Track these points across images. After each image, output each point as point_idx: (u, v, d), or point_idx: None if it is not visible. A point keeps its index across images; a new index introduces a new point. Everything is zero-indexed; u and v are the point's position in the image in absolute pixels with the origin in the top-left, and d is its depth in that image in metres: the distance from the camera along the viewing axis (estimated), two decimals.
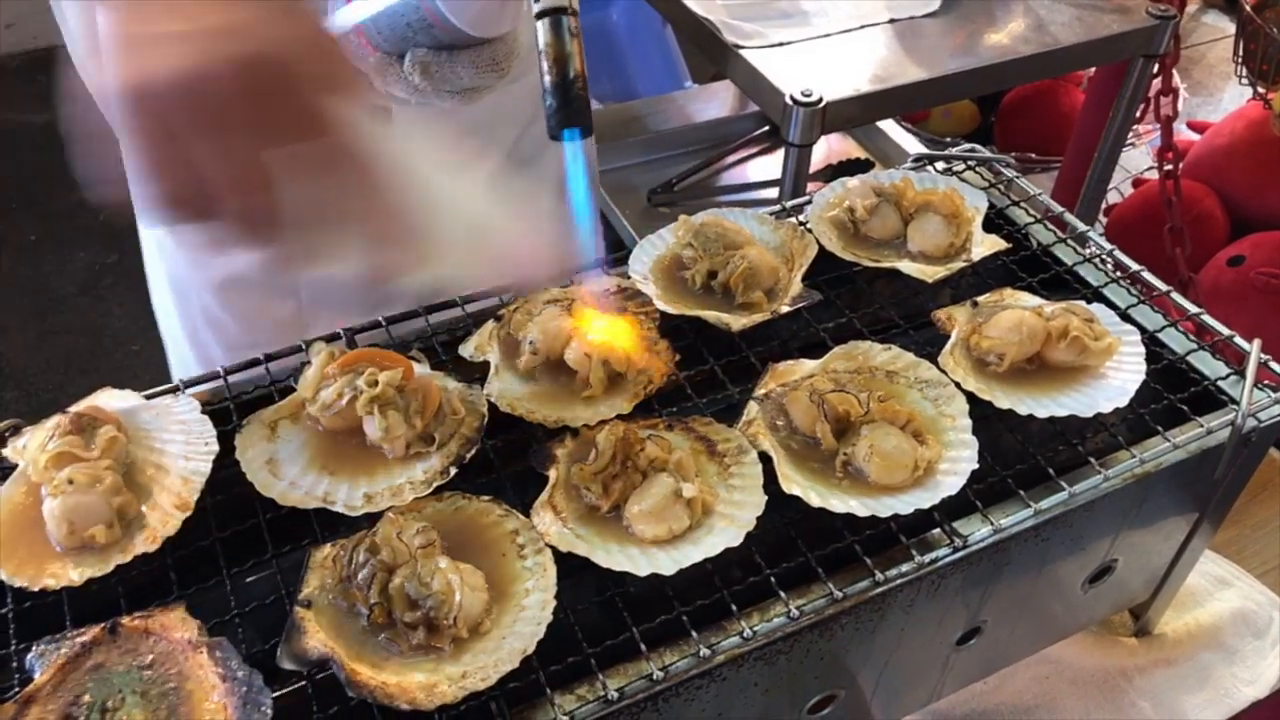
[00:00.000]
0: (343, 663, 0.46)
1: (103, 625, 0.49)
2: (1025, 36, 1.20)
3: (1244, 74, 1.60)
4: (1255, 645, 0.77)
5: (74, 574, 0.51)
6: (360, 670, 0.46)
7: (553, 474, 0.55)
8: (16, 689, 0.48)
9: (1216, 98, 2.53)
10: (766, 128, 1.66)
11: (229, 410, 0.60)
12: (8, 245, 2.55)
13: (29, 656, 0.48)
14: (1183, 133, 2.02)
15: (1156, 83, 1.51)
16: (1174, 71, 1.83)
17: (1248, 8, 1.54)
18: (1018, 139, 2.02)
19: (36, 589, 0.50)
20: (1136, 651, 0.76)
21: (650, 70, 2.20)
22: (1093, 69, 1.59)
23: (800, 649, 0.53)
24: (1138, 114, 1.52)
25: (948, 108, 2.10)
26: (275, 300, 0.81)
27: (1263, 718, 0.77)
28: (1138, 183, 1.90)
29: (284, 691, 0.48)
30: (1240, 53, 1.59)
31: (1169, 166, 1.49)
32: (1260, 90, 1.59)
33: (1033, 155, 1.94)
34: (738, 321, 0.62)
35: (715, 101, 1.80)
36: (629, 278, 0.66)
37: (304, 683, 0.48)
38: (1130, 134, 2.06)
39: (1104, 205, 1.86)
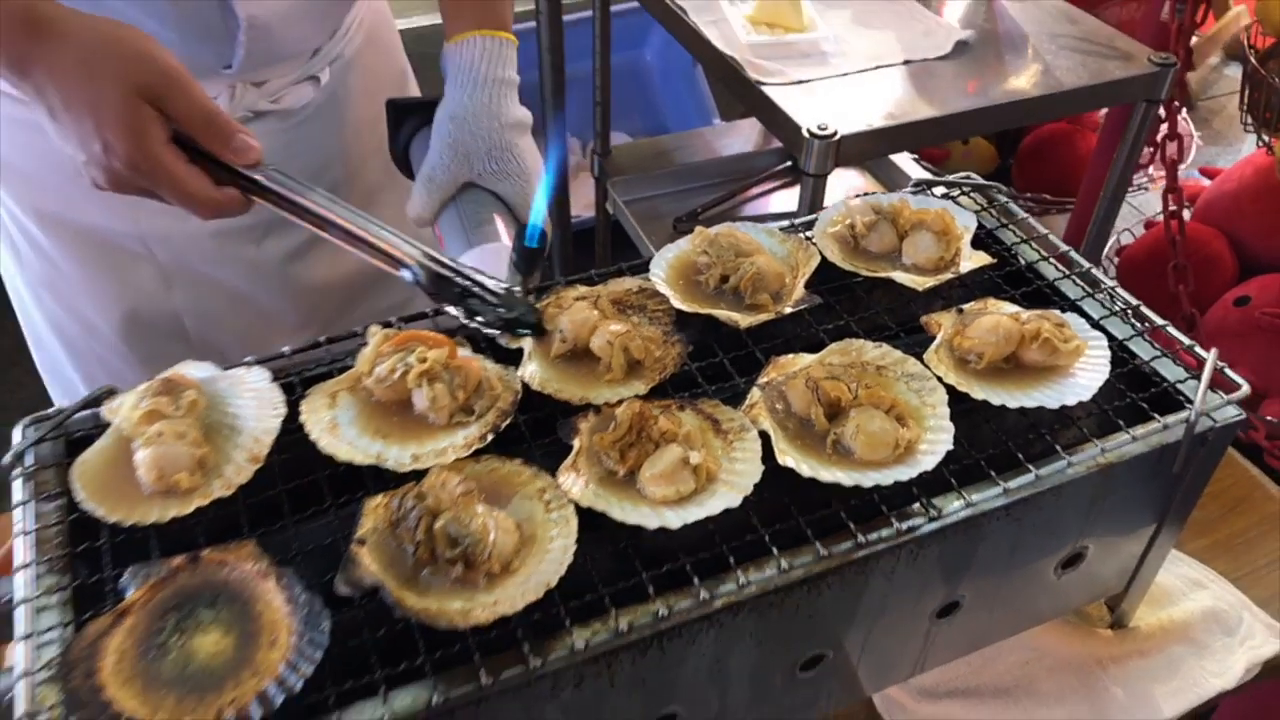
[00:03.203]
0: (391, 590, 0.53)
1: (185, 555, 0.57)
2: (1032, 79, 1.28)
3: (1249, 122, 1.67)
4: (1225, 642, 0.82)
5: (160, 514, 0.59)
6: (406, 597, 0.53)
7: (576, 443, 0.62)
8: (108, 606, 0.55)
9: (1235, 147, 2.59)
10: (789, 163, 1.75)
11: (293, 384, 0.68)
12: None
13: (123, 579, 0.56)
14: (1198, 180, 2.08)
15: (1165, 127, 1.59)
16: (1184, 118, 1.90)
17: (1252, 59, 1.61)
18: (1035, 181, 2.10)
19: (128, 525, 0.58)
20: (1112, 643, 0.82)
21: (680, 107, 2.30)
22: (1104, 113, 1.66)
23: (790, 604, 0.59)
24: (1144, 159, 1.59)
25: (968, 149, 2.17)
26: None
27: (1240, 707, 0.82)
28: (1149, 224, 1.96)
29: (339, 616, 0.55)
30: (1245, 101, 1.65)
31: (1173, 207, 1.56)
32: (1264, 138, 1.65)
33: (1046, 196, 2.01)
34: (745, 320, 0.69)
35: (740, 137, 1.88)
36: (649, 280, 0.73)
37: (356, 609, 0.55)
38: (1145, 178, 2.13)
39: (1116, 246, 1.93)
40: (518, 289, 0.70)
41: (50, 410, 0.66)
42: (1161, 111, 1.53)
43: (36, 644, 0.54)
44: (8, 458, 0.63)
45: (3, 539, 0.88)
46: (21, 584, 0.57)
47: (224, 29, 0.85)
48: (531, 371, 0.66)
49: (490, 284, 0.68)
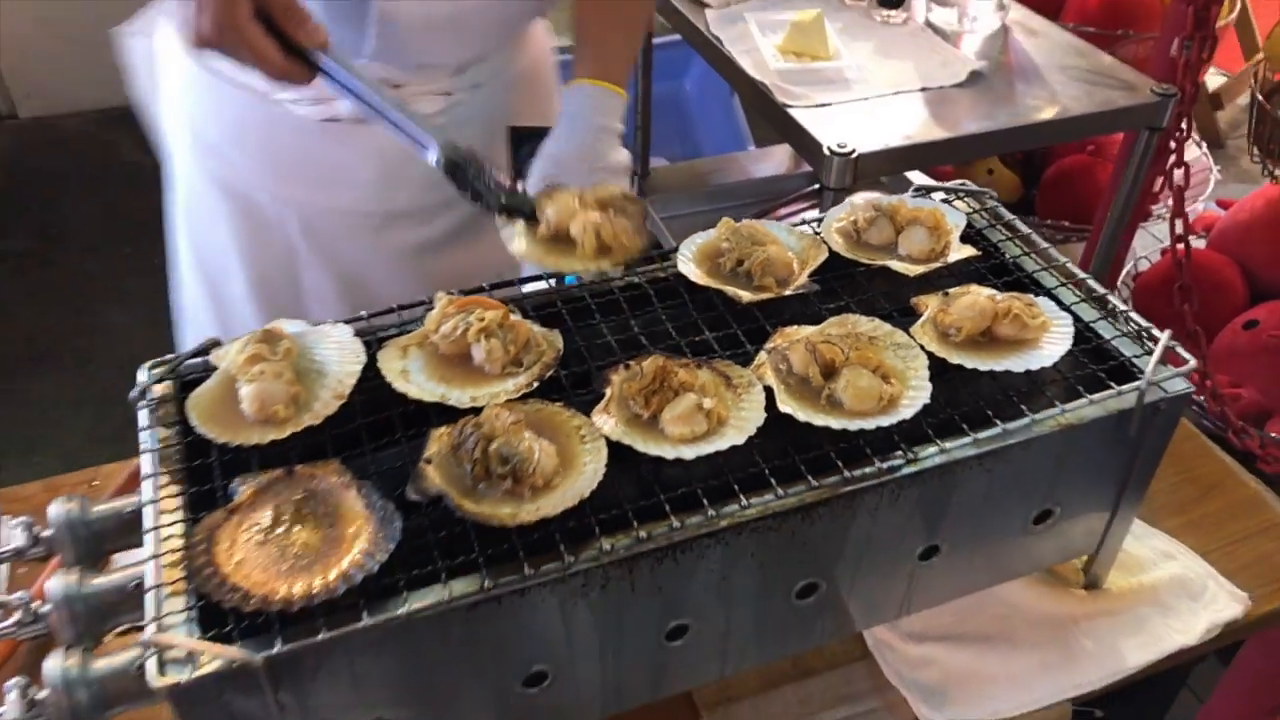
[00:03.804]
0: (453, 497, 0.65)
1: (283, 469, 0.68)
2: (1039, 106, 1.38)
3: (1256, 154, 1.75)
4: (1190, 605, 0.91)
5: (260, 437, 0.71)
6: (465, 503, 0.65)
7: (608, 391, 0.73)
8: (219, 508, 0.67)
9: (1262, 184, 2.66)
10: (816, 185, 1.86)
11: (370, 341, 0.80)
12: (137, 267, 2.86)
13: (231, 485, 0.68)
14: (1216, 211, 2.16)
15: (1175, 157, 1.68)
16: (1204, 153, 1.99)
17: (1258, 94, 1.69)
18: (1057, 209, 2.19)
19: (234, 446, 0.70)
20: (1085, 601, 0.91)
21: (717, 135, 2.43)
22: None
23: (786, 529, 0.70)
24: (1158, 187, 1.68)
25: (992, 179, 2.27)
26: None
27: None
28: (1165, 252, 2.04)
29: (408, 521, 0.66)
30: (1252, 134, 1.74)
31: (1179, 231, 1.64)
32: (1270, 169, 1.74)
33: (1066, 223, 2.10)
34: (748, 296, 0.81)
35: (772, 161, 2.00)
36: (634, 193, 0.88)
37: (422, 516, 0.66)
38: (1164, 208, 2.22)
39: (1135, 272, 2.01)
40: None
41: (168, 356, 0.79)
42: (1172, 144, 1.62)
43: (161, 536, 0.66)
44: (134, 392, 0.76)
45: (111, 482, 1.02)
46: (148, 490, 0.69)
47: (361, 14, 0.98)
48: (518, 247, 0.81)
49: (496, 176, 0.83)
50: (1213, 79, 3.23)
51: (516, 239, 0.82)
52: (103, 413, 2.49)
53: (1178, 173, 1.68)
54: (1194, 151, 2.19)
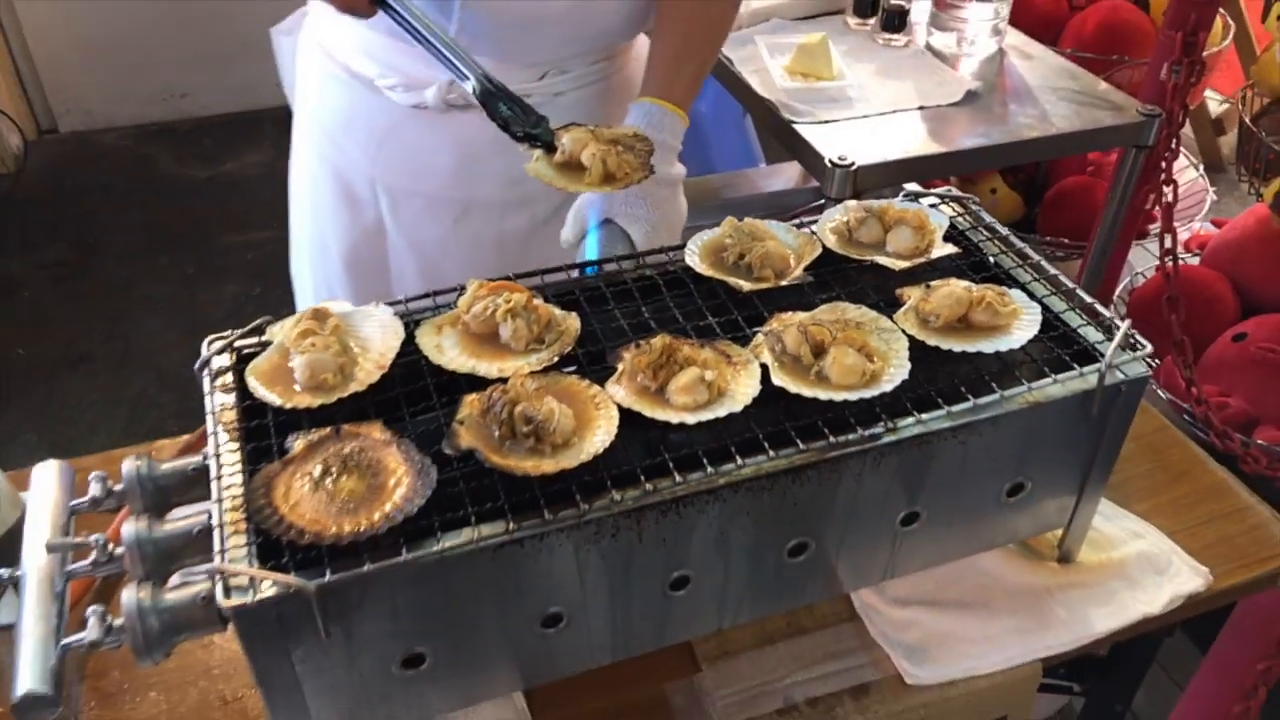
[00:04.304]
0: (483, 451, 0.73)
1: (331, 428, 0.77)
2: (1030, 124, 1.47)
3: (1243, 173, 1.83)
4: (1155, 579, 0.98)
5: (310, 401, 0.79)
6: (493, 456, 0.73)
7: (620, 366, 0.82)
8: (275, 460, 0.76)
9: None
10: (822, 201, 1.95)
11: (409, 322, 0.89)
12: (171, 277, 2.97)
13: (286, 440, 0.77)
14: (1210, 230, 2.24)
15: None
16: (1201, 174, 2.07)
17: (1245, 117, 1.77)
18: (1057, 228, 2.27)
19: (288, 408, 0.79)
20: (1058, 573, 0.98)
21: (730, 152, 2.52)
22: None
23: (779, 489, 0.78)
24: (1148, 205, 1.76)
25: (995, 198, 2.36)
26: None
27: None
28: (1160, 268, 2.12)
29: (442, 474, 0.75)
30: (1238, 153, 1.82)
31: (1168, 245, 1.72)
32: (1256, 187, 1.82)
33: (1065, 240, 2.18)
34: (748, 286, 0.89)
35: (781, 177, 2.10)
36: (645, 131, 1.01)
37: (454, 469, 0.75)
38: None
39: (1131, 287, 2.09)
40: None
41: (226, 332, 0.88)
42: (1163, 163, 1.71)
43: (224, 484, 0.75)
44: (198, 363, 0.85)
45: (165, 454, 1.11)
46: (212, 445, 0.78)
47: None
48: (534, 165, 0.92)
49: (525, 108, 0.94)
50: (1216, 105, 3.32)
51: (534, 161, 0.93)
52: (136, 414, 2.60)
53: (1166, 190, 1.76)
54: (1191, 173, 2.27)
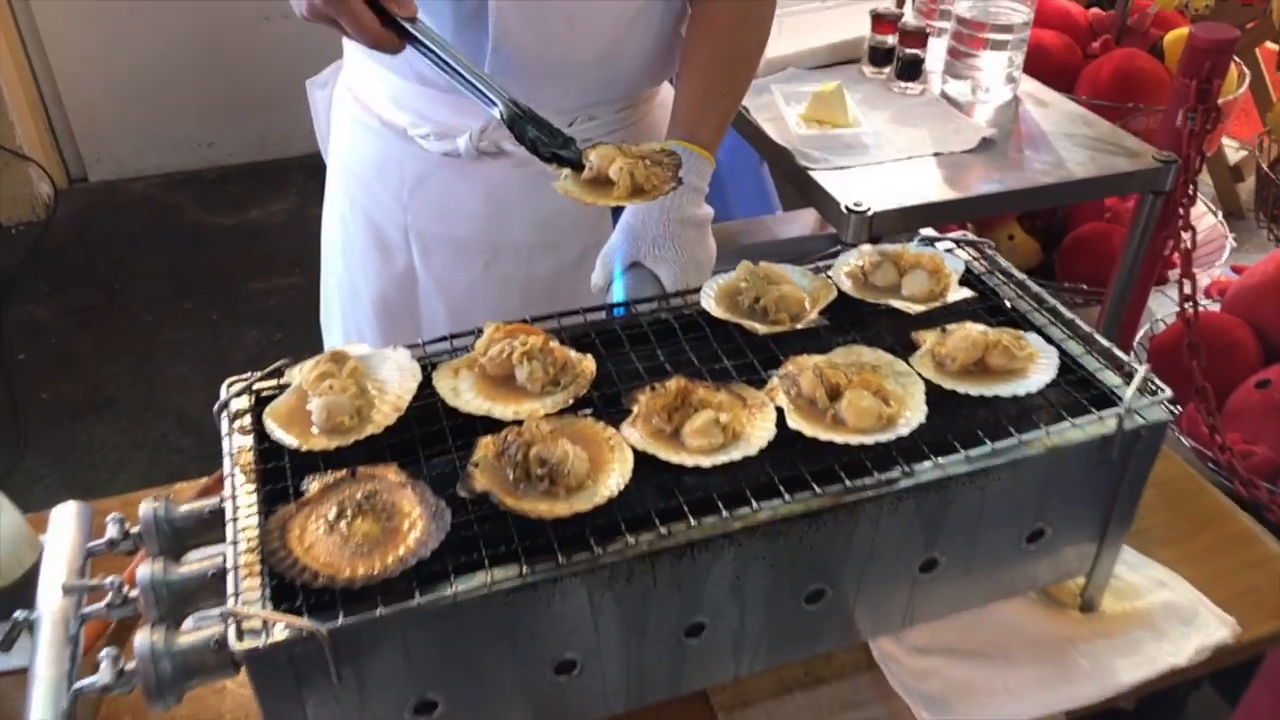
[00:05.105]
0: (497, 493, 0.73)
1: (347, 470, 0.78)
2: (1045, 170, 1.48)
3: (1261, 219, 1.83)
4: (1181, 629, 0.96)
5: (327, 444, 0.80)
6: (507, 499, 0.73)
7: (635, 408, 0.82)
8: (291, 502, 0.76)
9: None
10: (839, 247, 1.95)
11: (426, 364, 0.89)
12: (195, 322, 3.01)
13: (302, 483, 0.77)
14: (1231, 276, 2.23)
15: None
16: (1220, 220, 2.06)
17: (1263, 164, 1.77)
18: (1075, 274, 2.27)
19: (304, 450, 0.80)
20: (1081, 623, 0.96)
21: (747, 199, 2.53)
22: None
23: (795, 533, 0.77)
24: (1166, 251, 1.76)
25: (1013, 244, 2.36)
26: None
27: None
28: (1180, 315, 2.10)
29: (456, 518, 0.75)
30: (1257, 199, 1.82)
31: (1187, 291, 1.71)
32: (1275, 233, 1.81)
33: (1084, 286, 2.17)
34: (763, 329, 0.89)
35: (797, 224, 2.10)
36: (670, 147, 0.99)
37: (469, 513, 0.75)
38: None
39: (1152, 334, 2.07)
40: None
41: (244, 375, 0.89)
42: (1180, 210, 1.70)
43: (239, 526, 0.75)
44: (217, 405, 0.86)
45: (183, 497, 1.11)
46: (228, 487, 0.78)
47: (480, 39, 1.10)
48: (563, 183, 0.92)
49: (552, 130, 0.94)
50: (1233, 152, 3.32)
51: (563, 180, 0.94)
52: (157, 459, 2.61)
53: (1185, 236, 1.76)
54: (1210, 219, 2.26)
